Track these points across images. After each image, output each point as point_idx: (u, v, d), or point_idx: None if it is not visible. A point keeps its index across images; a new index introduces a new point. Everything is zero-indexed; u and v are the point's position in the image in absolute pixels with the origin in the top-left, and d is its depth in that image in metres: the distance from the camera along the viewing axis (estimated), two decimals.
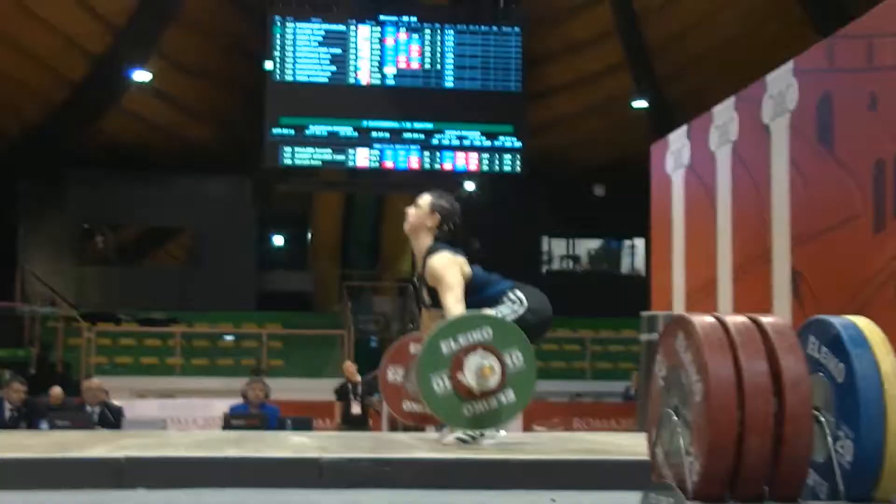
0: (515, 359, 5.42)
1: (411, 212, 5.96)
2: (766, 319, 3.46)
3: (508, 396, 5.42)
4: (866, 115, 9.32)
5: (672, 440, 3.48)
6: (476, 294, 5.78)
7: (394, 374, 6.80)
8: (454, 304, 5.57)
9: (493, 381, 5.27)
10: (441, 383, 5.30)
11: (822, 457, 3.53)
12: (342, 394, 14.21)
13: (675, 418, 3.46)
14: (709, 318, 3.44)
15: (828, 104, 10.02)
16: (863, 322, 3.65)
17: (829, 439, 3.49)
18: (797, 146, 10.49)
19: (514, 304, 5.76)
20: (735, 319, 3.45)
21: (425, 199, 5.93)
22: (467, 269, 5.88)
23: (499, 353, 5.33)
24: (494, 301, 5.77)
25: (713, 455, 3.22)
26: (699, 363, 3.29)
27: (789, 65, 10.76)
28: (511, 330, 5.52)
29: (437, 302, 5.75)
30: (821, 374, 3.60)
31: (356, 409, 13.96)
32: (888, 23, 9.04)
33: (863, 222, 9.30)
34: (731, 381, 3.24)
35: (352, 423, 13.81)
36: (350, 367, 14.43)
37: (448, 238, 5.89)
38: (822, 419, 3.52)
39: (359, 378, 14.25)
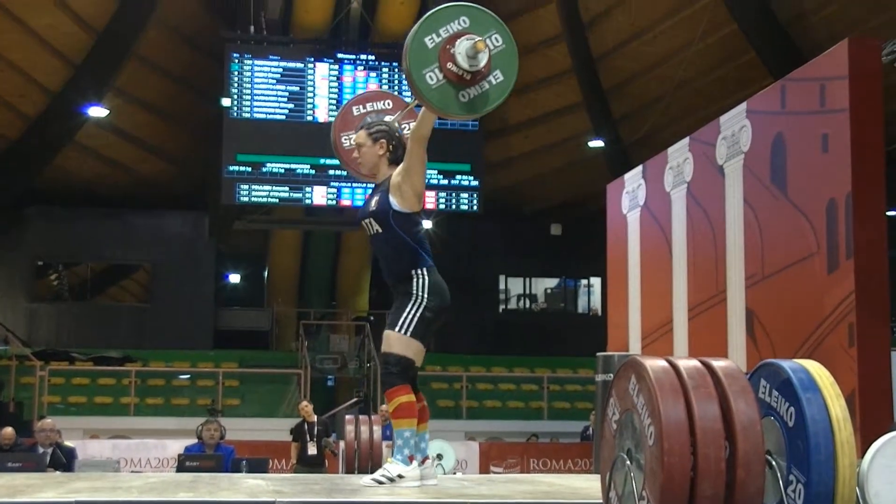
0: (495, 40, 5.52)
1: (360, 153, 5.89)
2: (717, 363, 3.48)
3: (497, 77, 5.52)
4: (819, 156, 9.42)
5: (625, 484, 3.48)
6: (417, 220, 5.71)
7: (347, 140, 6.69)
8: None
9: (484, 56, 5.34)
10: (434, 76, 5.34)
11: (775, 501, 3.54)
12: (298, 434, 14.10)
13: (629, 462, 3.46)
14: (661, 362, 3.45)
15: (781, 145, 10.13)
16: (813, 366, 3.67)
17: (781, 483, 3.51)
18: (751, 187, 10.58)
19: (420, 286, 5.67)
20: (687, 363, 3.46)
21: (361, 135, 5.87)
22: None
23: (481, 38, 5.43)
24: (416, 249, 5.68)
25: (666, 499, 3.22)
26: (652, 407, 3.30)
27: (742, 106, 10.86)
28: (483, 13, 5.61)
29: (386, 221, 5.63)
30: (772, 417, 3.62)
31: (312, 449, 13.85)
32: (839, 66, 9.15)
33: (816, 262, 9.38)
34: (684, 424, 3.25)
35: (308, 463, 13.70)
36: (306, 406, 14.33)
37: (401, 153, 5.79)
38: (774, 463, 3.54)
39: (315, 418, 14.16)
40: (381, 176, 5.84)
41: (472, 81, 5.36)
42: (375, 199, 5.74)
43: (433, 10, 5.47)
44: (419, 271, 5.65)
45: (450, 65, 5.29)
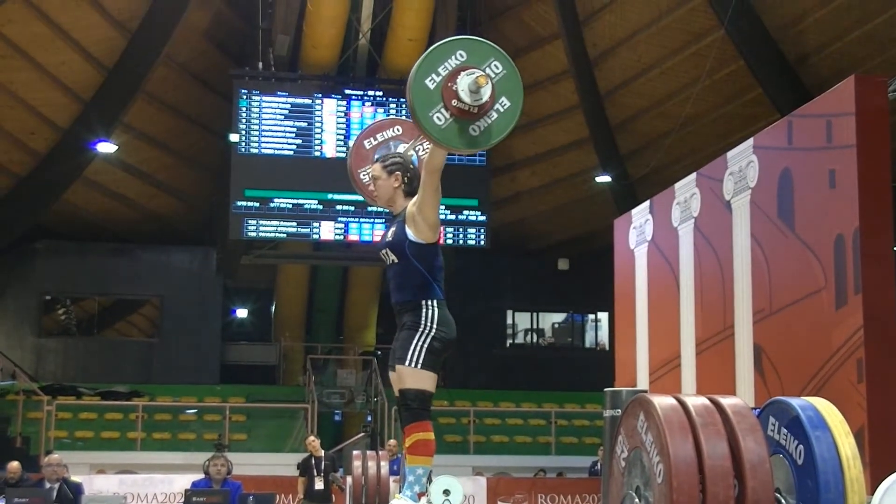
0: (495, 67, 5.49)
1: (375, 186, 5.89)
2: (726, 401, 3.48)
3: (503, 104, 5.49)
4: (826, 191, 9.44)
5: None
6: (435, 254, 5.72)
7: (366, 175, 6.68)
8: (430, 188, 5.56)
9: (487, 90, 5.31)
10: (441, 116, 5.32)
11: None
12: (305, 469, 14.08)
13: (637, 499, 3.46)
14: (669, 399, 3.46)
15: (788, 181, 10.14)
16: (822, 403, 3.67)
17: None
18: (758, 222, 10.59)
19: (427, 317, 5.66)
20: (695, 400, 3.46)
21: (377, 168, 5.88)
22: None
23: (481, 69, 5.40)
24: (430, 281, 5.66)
25: None
26: (660, 444, 3.30)
27: (749, 142, 10.89)
28: (478, 43, 5.58)
29: (402, 251, 5.63)
30: (781, 455, 3.61)
31: (319, 484, 13.82)
32: (846, 102, 9.18)
33: (824, 298, 9.37)
34: (693, 462, 3.25)
35: (315, 499, 13.67)
36: (313, 441, 14.31)
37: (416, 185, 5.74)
38: (784, 502, 3.53)
39: (322, 453, 14.13)
40: (397, 208, 5.83)
41: (479, 114, 5.37)
42: (392, 229, 5.76)
43: (429, 50, 5.47)
44: (429, 302, 5.61)
45: (455, 101, 5.29)
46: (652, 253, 13.27)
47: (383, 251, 5.76)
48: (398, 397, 5.55)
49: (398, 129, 6.67)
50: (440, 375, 25.22)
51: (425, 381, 5.47)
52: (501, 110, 5.48)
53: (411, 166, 5.88)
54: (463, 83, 5.30)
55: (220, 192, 23.28)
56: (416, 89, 5.32)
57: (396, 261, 5.69)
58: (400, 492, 5.60)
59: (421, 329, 5.53)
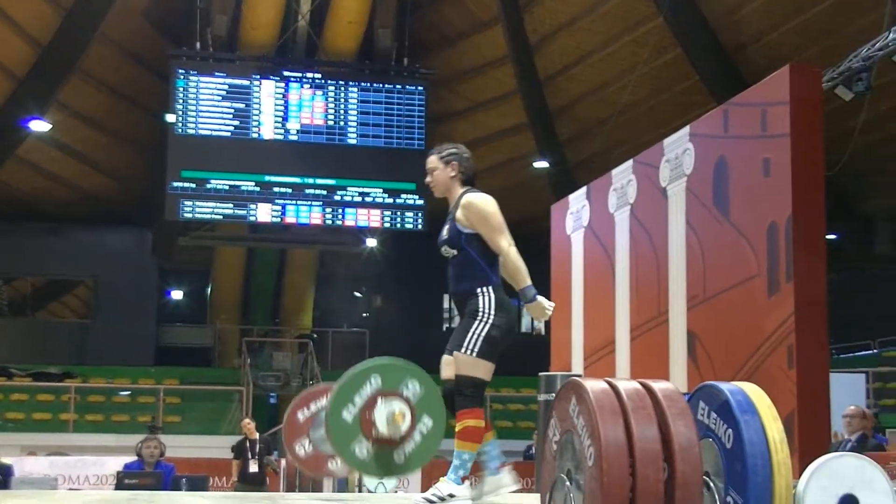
0: (412, 386, 5.45)
1: (432, 177, 5.94)
2: (657, 385, 3.50)
3: (426, 424, 5.45)
4: (760, 180, 9.53)
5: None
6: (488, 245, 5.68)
7: (301, 448, 6.68)
8: (508, 246, 5.58)
9: (406, 424, 5.29)
10: (363, 449, 5.31)
11: None
12: (240, 451, 14.00)
13: (568, 483, 3.48)
14: (601, 384, 3.47)
15: (723, 169, 10.23)
16: (751, 388, 3.71)
17: None
18: (693, 209, 10.67)
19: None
20: (627, 385, 3.48)
21: (433, 160, 5.92)
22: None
23: (396, 392, 5.35)
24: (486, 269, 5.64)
25: None
26: (591, 428, 3.31)
27: (686, 130, 10.97)
28: (392, 366, 5.54)
29: (459, 245, 5.63)
30: (711, 439, 3.65)
31: (254, 467, 13.76)
32: (781, 92, 9.27)
33: (757, 285, 9.47)
34: (623, 446, 3.27)
35: (249, 481, 13.60)
36: (249, 424, 14.24)
37: (473, 179, 5.88)
38: (712, 485, 3.56)
39: (257, 435, 14.07)
40: (454, 196, 5.84)
41: (402, 441, 5.37)
42: (446, 227, 5.78)
43: (342, 381, 5.46)
44: (486, 289, 5.62)
45: (375, 431, 5.30)
46: (588, 239, 13.33)
47: (443, 248, 5.76)
48: (449, 382, 5.54)
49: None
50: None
51: (480, 369, 5.50)
52: (425, 431, 5.48)
53: (465, 156, 5.88)
54: (380, 414, 5.28)
55: (156, 172, 23.04)
56: (333, 423, 5.32)
57: (455, 254, 5.70)
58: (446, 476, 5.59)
59: (479, 317, 5.57)
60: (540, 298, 5.39)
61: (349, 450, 5.28)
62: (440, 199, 5.89)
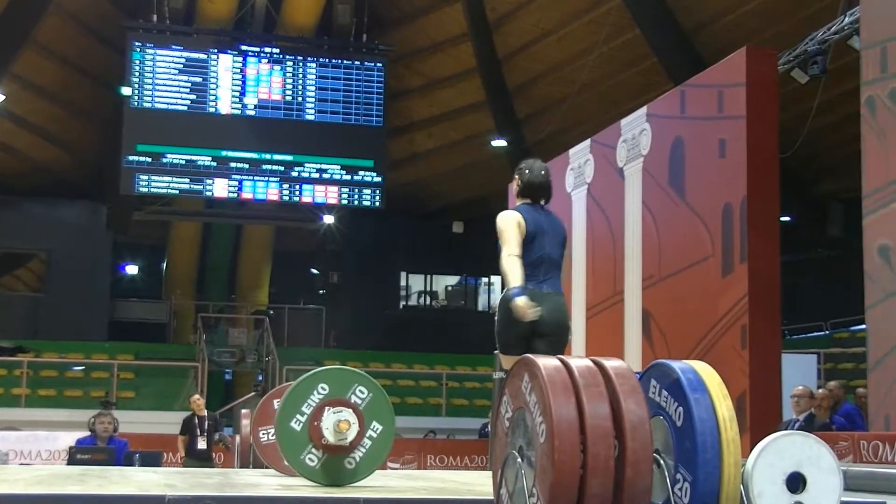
0: (360, 393, 5.47)
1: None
2: (609, 363, 3.52)
3: (375, 429, 5.49)
4: (716, 161, 9.60)
5: (516, 481, 3.51)
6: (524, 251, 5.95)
7: (266, 434, 6.73)
8: (505, 258, 5.80)
9: (353, 432, 5.33)
10: (314, 457, 5.34)
11: (662, 499, 3.59)
12: (188, 427, 13.91)
13: (520, 459, 3.49)
14: (553, 361, 3.49)
15: (679, 150, 10.30)
16: (702, 367, 3.74)
17: (668, 482, 3.56)
18: (650, 190, 10.73)
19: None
20: (579, 362, 3.50)
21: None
22: (524, 225, 5.96)
23: (344, 400, 5.37)
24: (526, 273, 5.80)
25: (556, 496, 3.25)
26: (543, 405, 3.33)
27: (643, 110, 11.02)
28: (340, 372, 5.57)
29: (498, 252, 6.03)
30: (661, 417, 3.67)
31: (202, 444, 13.68)
32: (737, 73, 9.33)
33: (712, 265, 9.55)
34: (574, 423, 3.28)
35: (197, 457, 13.53)
36: (198, 400, 14.14)
37: (532, 192, 6.12)
38: (662, 462, 3.59)
39: (206, 412, 13.99)
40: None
41: (351, 447, 5.40)
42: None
43: (290, 390, 5.50)
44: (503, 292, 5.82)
45: (324, 439, 5.33)
46: None
47: None
48: None
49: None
50: (332, 335, 24.96)
51: (505, 362, 5.69)
52: (375, 436, 5.59)
53: (526, 171, 6.13)
54: (327, 422, 5.30)
55: (111, 146, 22.82)
56: (282, 434, 5.32)
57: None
58: None
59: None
60: (518, 300, 5.42)
61: (298, 458, 5.33)
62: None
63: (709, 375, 3.66)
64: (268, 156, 21.98)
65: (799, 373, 14.50)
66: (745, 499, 3.70)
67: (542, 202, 6.09)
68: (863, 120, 9.31)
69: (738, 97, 9.21)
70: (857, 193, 9.85)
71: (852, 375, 17.33)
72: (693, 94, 10.29)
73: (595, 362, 3.51)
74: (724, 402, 3.56)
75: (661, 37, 19.75)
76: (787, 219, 19.34)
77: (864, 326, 10.62)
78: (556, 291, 5.84)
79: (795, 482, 3.81)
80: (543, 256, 5.89)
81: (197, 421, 13.77)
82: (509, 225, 5.85)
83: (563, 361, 3.48)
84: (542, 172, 6.14)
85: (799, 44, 13.00)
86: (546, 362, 3.44)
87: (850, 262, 10.94)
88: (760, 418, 8.52)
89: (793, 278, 14.10)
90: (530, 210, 6.00)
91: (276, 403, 6.66)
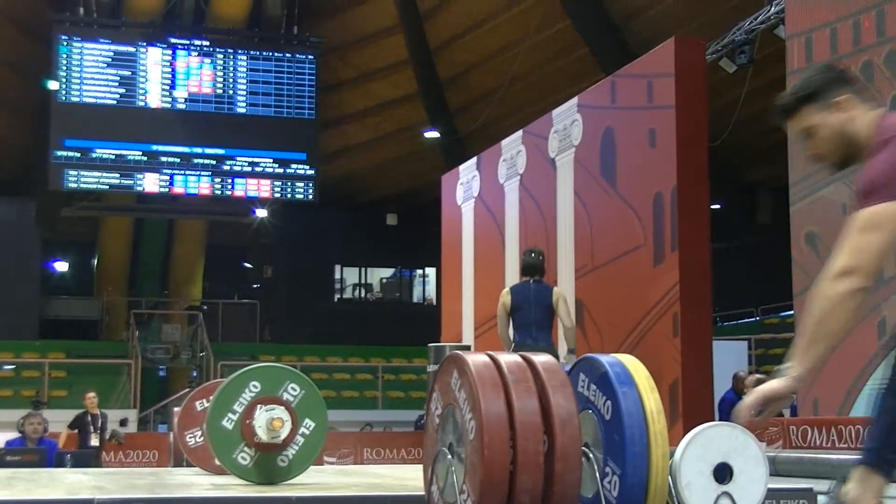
0: (292, 390, 5.45)
1: None
2: (537, 358, 3.52)
3: (308, 426, 5.49)
4: (647, 151, 9.66)
5: (447, 477, 3.50)
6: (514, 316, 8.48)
7: (193, 437, 6.69)
8: (498, 332, 8.43)
9: (286, 429, 5.31)
10: (246, 455, 5.31)
11: (591, 492, 3.61)
12: (80, 424, 13.63)
13: (450, 456, 3.48)
14: (482, 357, 3.48)
15: (610, 140, 10.35)
16: (629, 360, 3.75)
17: (598, 476, 3.58)
18: (581, 180, 10.78)
19: None
20: (508, 358, 3.49)
21: None
22: (507, 299, 8.44)
23: (276, 398, 5.36)
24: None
25: (486, 492, 3.25)
26: (472, 401, 3.32)
27: (574, 101, 11.06)
28: (272, 369, 5.56)
29: None
30: (590, 411, 3.68)
31: (94, 441, 13.50)
32: (666, 63, 9.39)
33: (643, 255, 9.61)
34: (504, 419, 3.28)
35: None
36: (92, 398, 13.90)
37: (522, 271, 8.69)
38: (592, 456, 3.60)
39: (98, 410, 13.77)
40: None
41: (284, 445, 5.39)
42: None
43: (221, 388, 5.49)
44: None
45: (256, 437, 5.31)
46: (478, 209, 13.39)
47: None
48: None
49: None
50: (267, 330, 24.92)
51: None
52: (308, 433, 5.57)
53: (522, 256, 8.93)
54: (260, 420, 5.29)
55: (38, 140, 22.50)
56: (213, 432, 5.30)
57: None
58: None
59: None
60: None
61: (230, 457, 5.30)
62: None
63: (636, 369, 3.67)
64: (199, 150, 21.80)
65: (730, 359, 14.68)
66: (672, 490, 3.72)
67: (536, 277, 8.42)
68: None
69: (667, 87, 9.27)
70: (785, 181, 9.97)
71: (783, 361, 17.56)
72: (623, 84, 10.34)
73: (524, 357, 3.51)
74: (651, 395, 3.58)
75: (591, 27, 19.84)
76: (717, 206, 19.52)
77: (793, 312, 10.76)
78: (547, 344, 8.05)
79: (723, 473, 3.85)
80: (529, 320, 8.20)
81: (90, 418, 13.58)
82: (498, 304, 8.44)
83: (491, 357, 3.48)
84: (531, 256, 8.47)
85: (726, 33, 13.13)
86: (475, 359, 3.44)
87: (779, 248, 11.05)
88: (693, 405, 8.59)
89: (723, 265, 14.23)
90: (520, 286, 8.41)
91: (199, 405, 6.63)
